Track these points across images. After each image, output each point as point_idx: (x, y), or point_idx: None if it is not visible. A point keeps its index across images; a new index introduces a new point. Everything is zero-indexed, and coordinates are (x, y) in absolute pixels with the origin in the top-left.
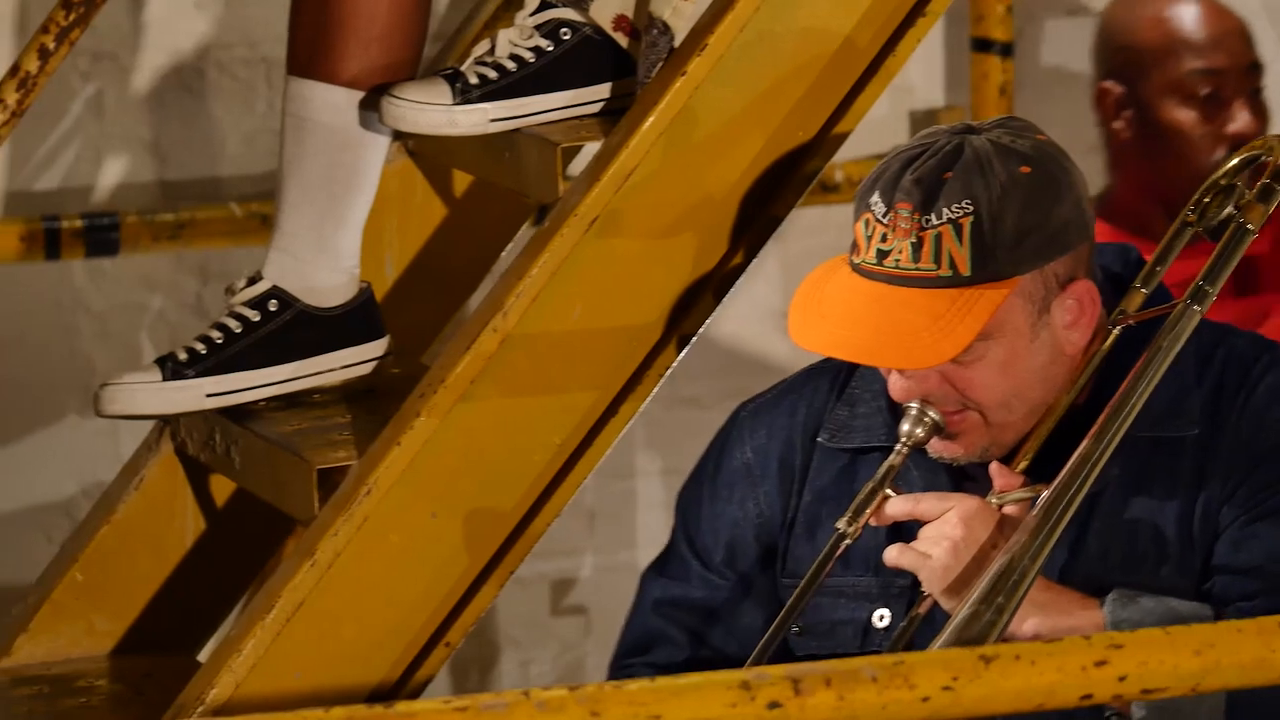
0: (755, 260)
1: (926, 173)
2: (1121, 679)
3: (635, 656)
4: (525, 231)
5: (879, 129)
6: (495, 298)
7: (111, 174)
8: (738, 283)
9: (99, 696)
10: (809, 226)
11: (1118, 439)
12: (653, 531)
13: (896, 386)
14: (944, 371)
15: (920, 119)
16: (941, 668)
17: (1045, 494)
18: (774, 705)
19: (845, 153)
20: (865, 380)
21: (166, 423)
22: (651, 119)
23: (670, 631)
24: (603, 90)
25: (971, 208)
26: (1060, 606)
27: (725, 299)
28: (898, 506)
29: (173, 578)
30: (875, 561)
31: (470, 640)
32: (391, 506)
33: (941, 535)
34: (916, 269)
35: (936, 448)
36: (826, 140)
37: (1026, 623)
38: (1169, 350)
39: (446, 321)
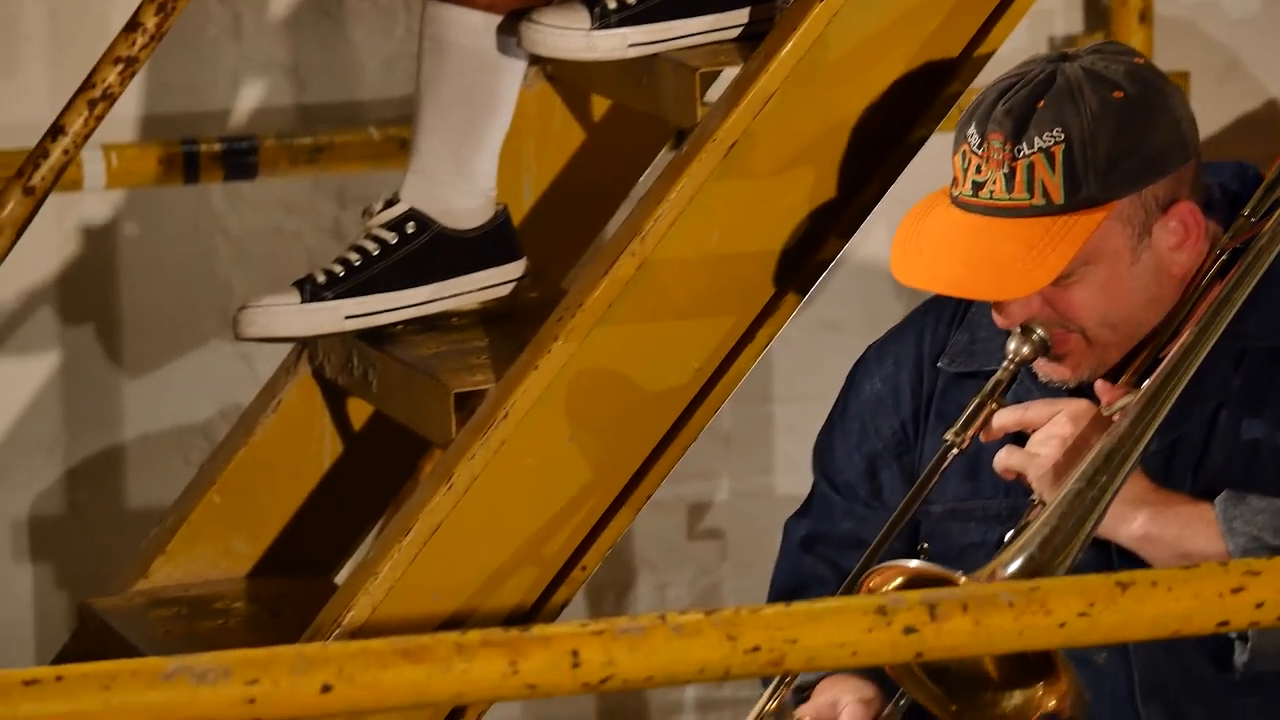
0: (895, 184)
1: (1018, 103)
2: (1259, 605)
3: (787, 598)
4: (663, 156)
5: (1018, 56)
6: (633, 222)
7: (250, 98)
8: (877, 207)
9: (236, 618)
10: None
11: (1221, 327)
12: (789, 456)
13: (1000, 318)
14: (1045, 295)
15: (1059, 45)
16: (1078, 594)
17: (1149, 381)
18: (910, 630)
19: (984, 80)
20: (984, 306)
21: (304, 345)
22: (790, 43)
23: (820, 569)
24: (741, 15)
25: (1062, 136)
26: (1170, 505)
27: (864, 223)
28: (1007, 416)
29: (310, 500)
30: (1006, 485)
31: (606, 564)
32: (528, 430)
33: (1050, 435)
34: (1010, 199)
35: (1044, 369)
36: (967, 63)
37: (1136, 521)
38: (1274, 243)
39: (584, 246)
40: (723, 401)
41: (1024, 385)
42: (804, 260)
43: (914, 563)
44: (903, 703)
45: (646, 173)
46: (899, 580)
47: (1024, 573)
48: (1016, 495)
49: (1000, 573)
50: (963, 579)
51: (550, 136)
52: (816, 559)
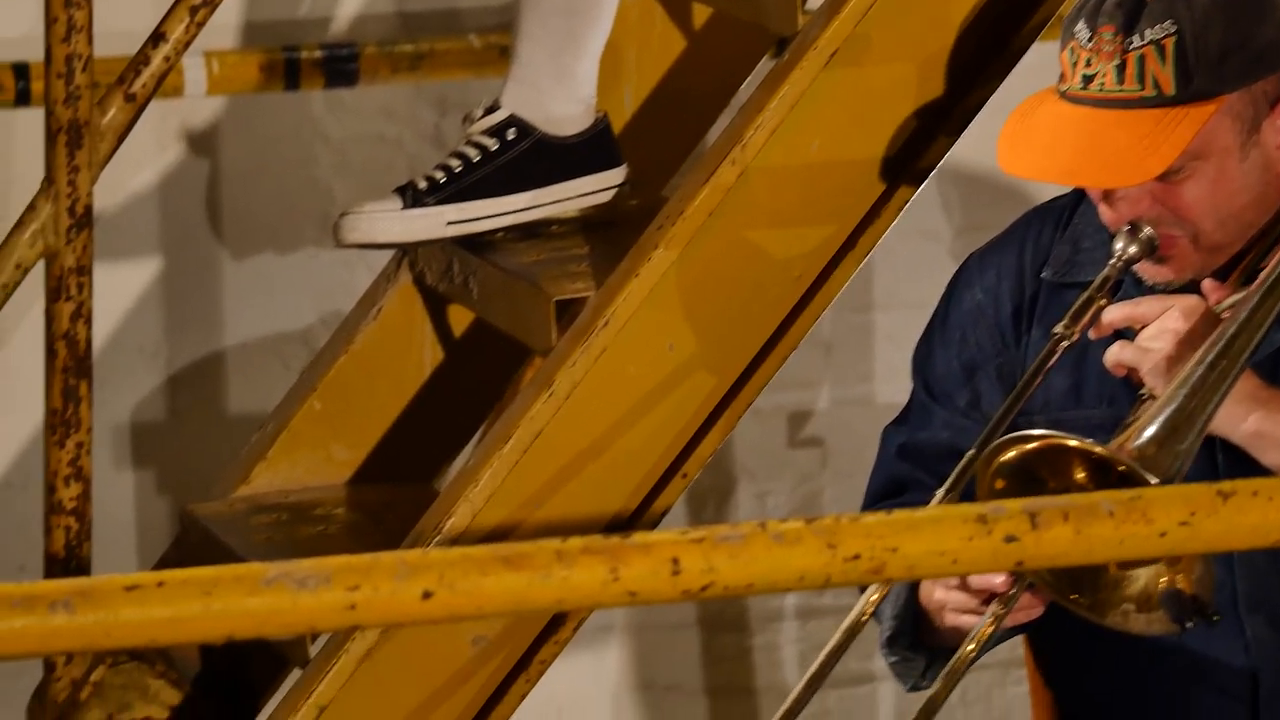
0: (997, 93)
1: None
2: None
3: (884, 502)
4: (764, 64)
5: None
6: (734, 130)
7: (351, 5)
8: (979, 115)
9: (336, 525)
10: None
11: None
12: (890, 364)
13: (1109, 213)
14: (1154, 192)
15: None
16: (1180, 503)
17: (1265, 272)
18: (1010, 539)
19: None
20: (1087, 217)
21: (405, 252)
22: None
23: (917, 475)
24: None
25: (1174, 28)
26: None
27: (966, 131)
28: (1116, 312)
29: (410, 407)
30: (1109, 394)
31: (707, 471)
32: (629, 338)
33: (1163, 329)
34: (1121, 90)
35: (1149, 272)
36: None
37: (1248, 419)
38: None
39: (684, 154)
40: (823, 309)
41: (1126, 291)
42: (906, 167)
43: (1041, 431)
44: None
45: (747, 81)
46: (1032, 446)
47: (1155, 442)
48: (1120, 405)
49: (1131, 442)
50: (1098, 449)
51: (651, 44)
52: (913, 467)
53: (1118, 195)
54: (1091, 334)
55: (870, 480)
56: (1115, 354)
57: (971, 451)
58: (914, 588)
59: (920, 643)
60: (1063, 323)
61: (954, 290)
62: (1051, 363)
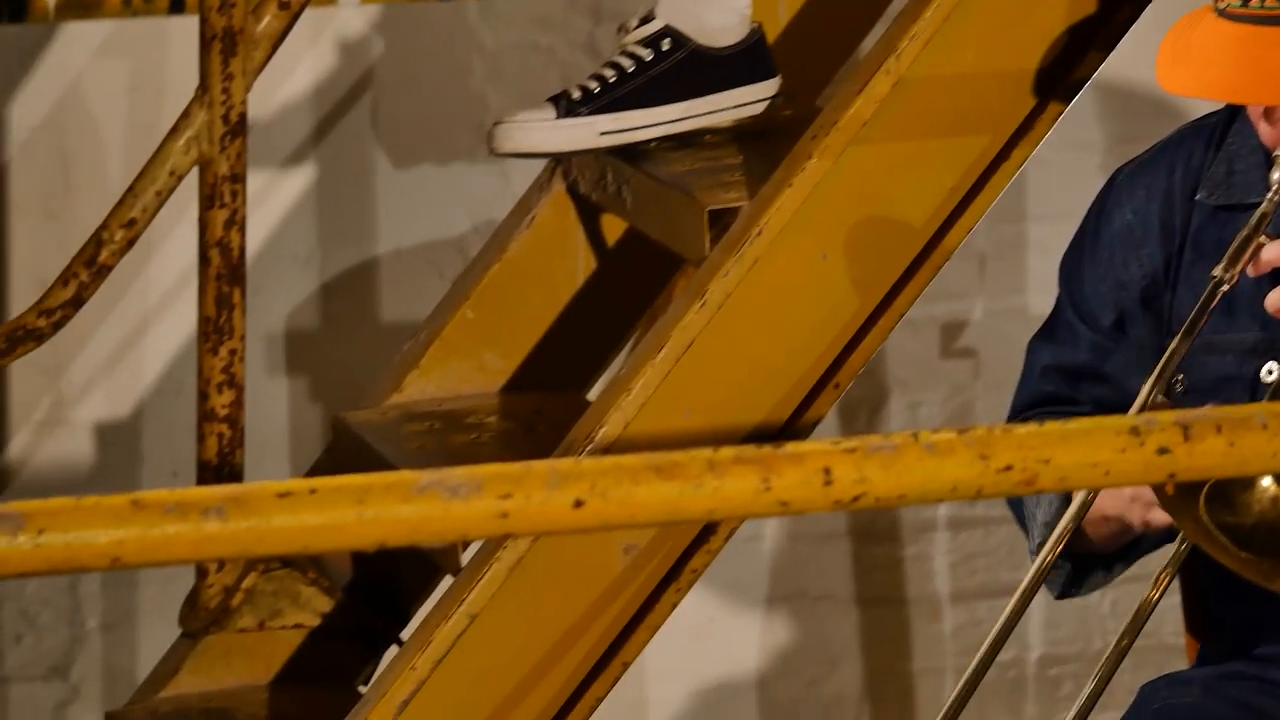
0: (1153, 4)
1: None
2: None
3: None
4: None
5: None
6: (888, 40)
7: None
8: (1133, 28)
9: (489, 433)
10: None
11: None
12: (1043, 276)
13: (1269, 132)
14: None
15: None
16: None
17: None
18: (1163, 450)
19: None
20: (1242, 137)
21: (559, 161)
22: None
23: (1062, 393)
24: None
25: None
26: None
27: (1121, 43)
28: (1275, 251)
29: (563, 316)
30: (1261, 315)
31: (859, 382)
32: (782, 248)
33: None
34: None
35: None
36: None
37: None
38: None
39: (838, 65)
40: (977, 220)
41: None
42: (1059, 80)
43: None
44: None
45: None
46: None
47: None
48: (1273, 328)
49: None
50: None
51: None
52: (1057, 385)
53: (1279, 114)
54: (1250, 272)
55: (1016, 393)
56: (1277, 300)
57: (1154, 396)
58: (1066, 496)
59: (1070, 550)
60: (1221, 265)
61: (1103, 208)
62: (1211, 308)
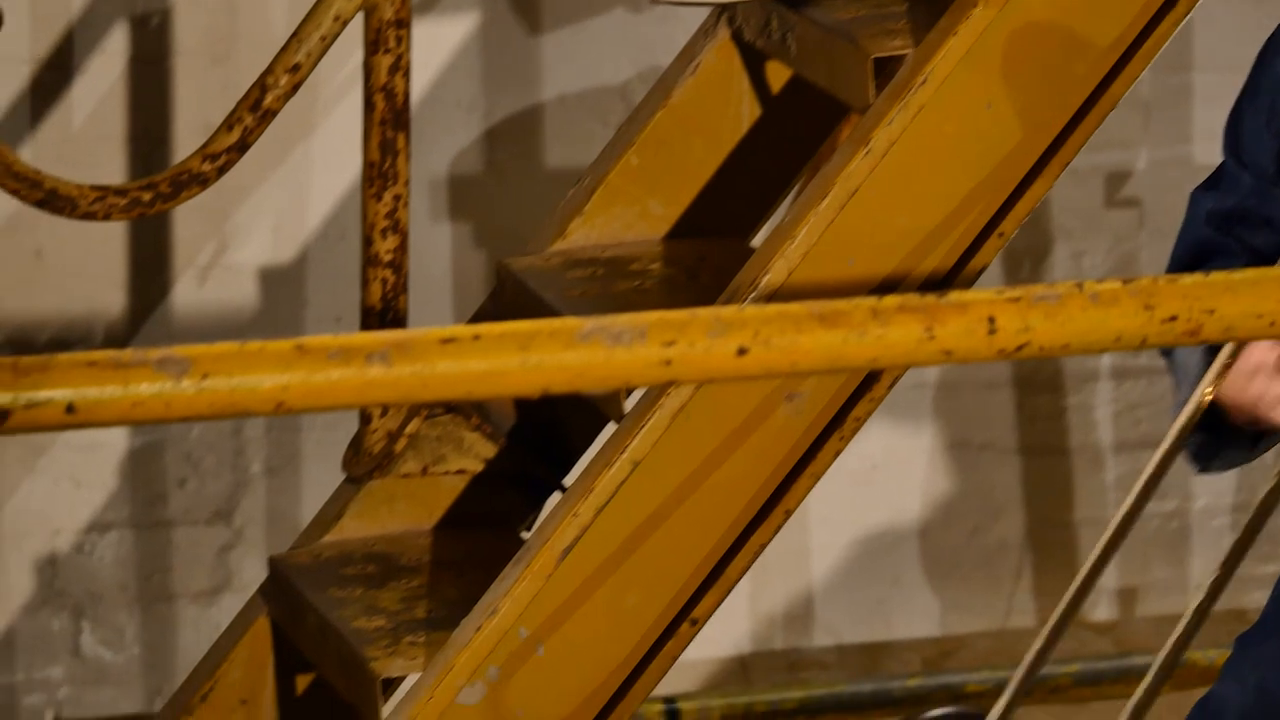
0: None
1: None
2: None
3: (1187, 269)
4: None
5: None
6: None
7: None
8: None
9: (652, 280)
10: None
11: None
12: (1208, 126)
13: None
14: None
15: None
16: None
17: None
18: None
19: None
20: None
21: (723, 8)
22: None
23: (1225, 242)
24: None
25: None
26: None
27: None
28: None
29: (727, 163)
30: None
31: (1023, 231)
32: (947, 96)
33: None
34: None
35: None
36: None
37: None
38: None
39: None
40: (1142, 70)
41: None
42: None
43: None
44: None
45: None
46: None
47: None
48: None
49: None
50: None
51: None
52: (1219, 233)
53: None
54: None
55: (1176, 243)
56: None
57: None
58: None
59: (1211, 424)
60: None
61: (1264, 57)
62: None
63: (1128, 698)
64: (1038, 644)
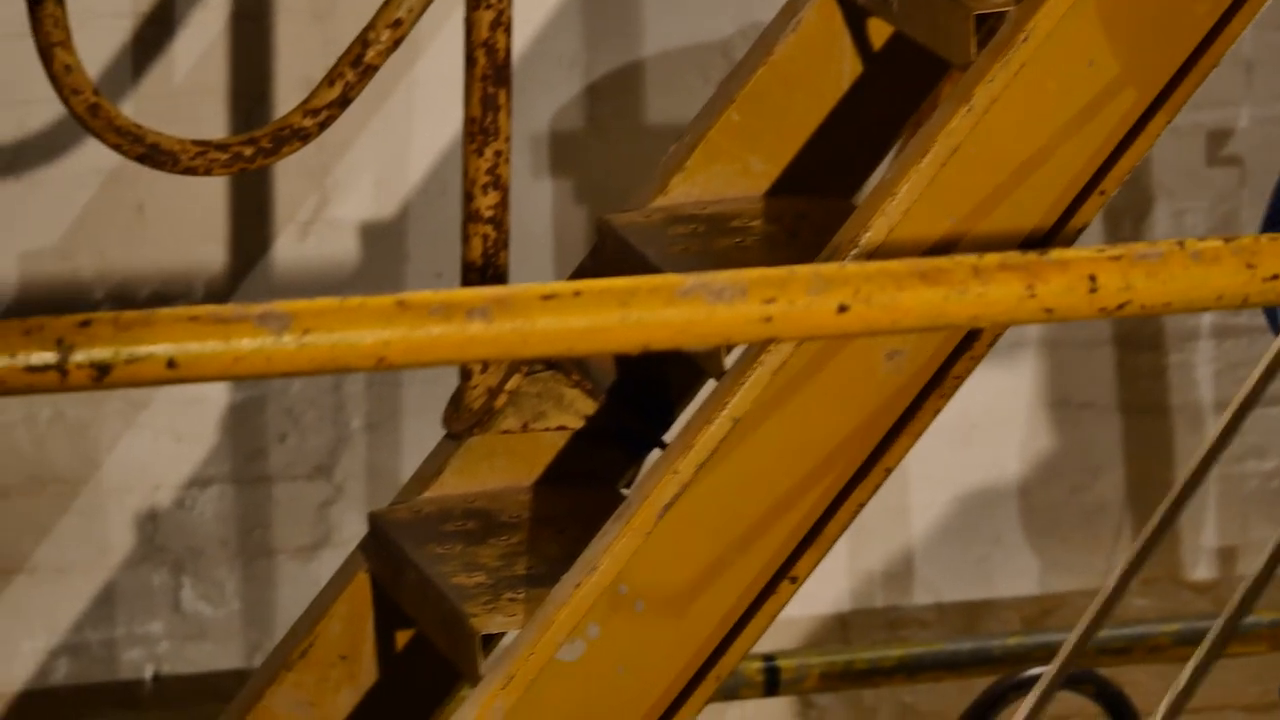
0: None
1: None
2: None
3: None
4: None
5: None
6: None
7: None
8: None
9: (753, 237)
10: None
11: None
12: None
13: None
14: None
15: None
16: None
17: None
18: None
19: None
20: None
21: None
22: None
23: None
24: None
25: None
26: None
27: None
28: None
29: (828, 120)
30: None
31: (1124, 190)
32: (1049, 53)
33: None
34: None
35: None
36: None
37: None
38: None
39: None
40: (1245, 27)
41: None
42: None
43: None
44: None
45: None
46: None
47: None
48: None
49: None
50: None
51: None
52: None
53: None
54: None
55: (1272, 202)
56: None
57: None
58: None
59: None
60: None
61: None
62: None
63: (1227, 657)
64: (1096, 604)
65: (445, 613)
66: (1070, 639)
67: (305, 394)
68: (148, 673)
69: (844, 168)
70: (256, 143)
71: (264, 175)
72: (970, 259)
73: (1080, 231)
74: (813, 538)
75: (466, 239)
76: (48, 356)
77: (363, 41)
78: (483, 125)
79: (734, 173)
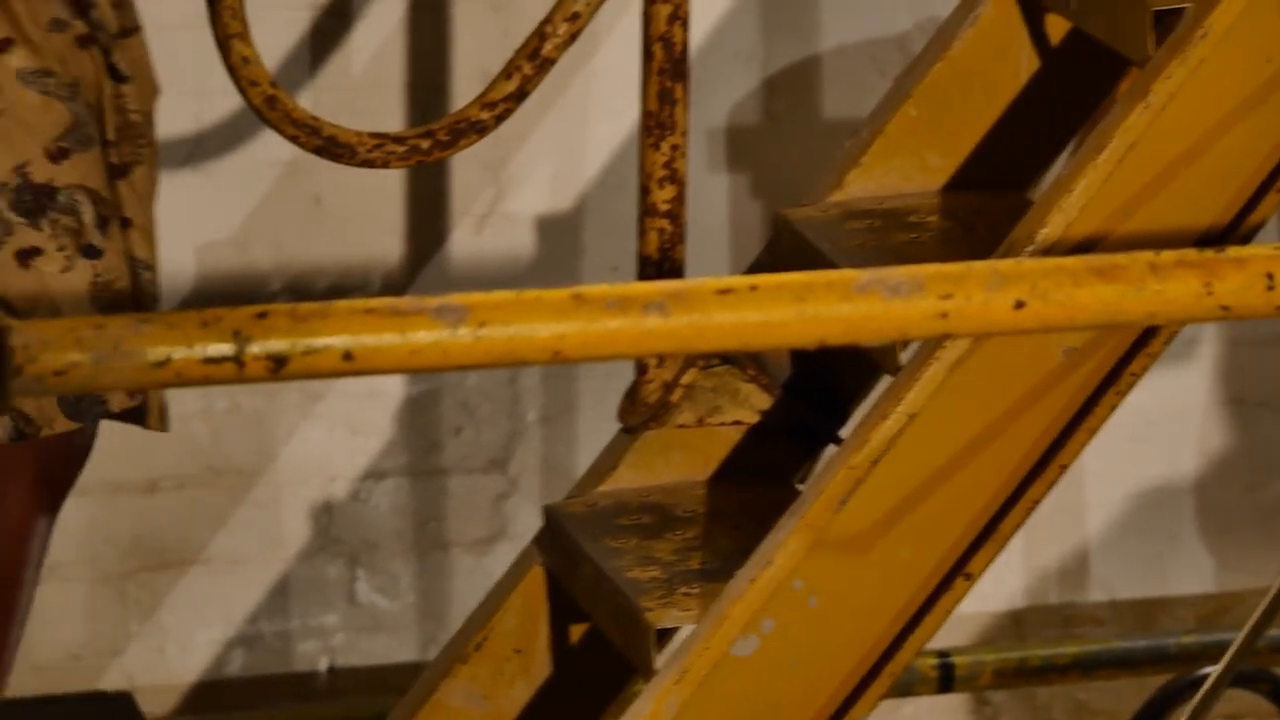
0: None
1: None
2: None
3: None
4: None
5: None
6: None
7: None
8: None
9: (929, 232)
10: None
11: None
12: None
13: None
14: None
15: None
16: None
17: None
18: None
19: None
20: None
21: None
22: None
23: None
24: None
25: None
26: None
27: None
28: None
29: (1004, 116)
30: None
31: None
32: (1227, 50)
33: None
34: None
35: None
36: None
37: None
38: None
39: None
40: None
41: None
42: None
43: None
44: None
45: None
46: None
47: None
48: None
49: None
50: None
51: None
52: None
53: None
54: None
55: None
56: None
57: None
58: None
59: None
60: None
61: None
62: None
63: None
64: (1266, 601)
65: (620, 607)
66: (1239, 637)
67: (481, 387)
68: (322, 665)
69: (1020, 163)
70: (433, 135)
71: (440, 168)
72: (1147, 256)
73: (1258, 229)
74: (988, 534)
75: (643, 233)
76: (225, 348)
77: (540, 34)
78: (659, 119)
79: (911, 168)
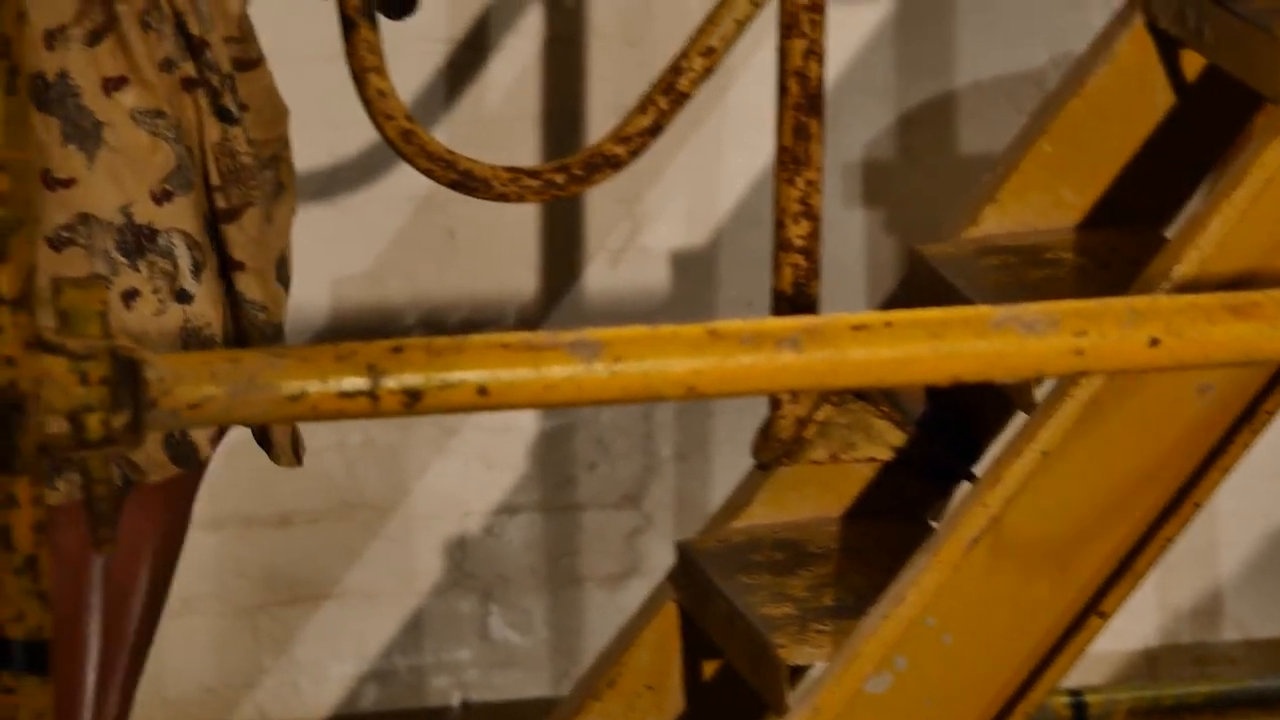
0: None
1: None
2: None
3: None
4: None
5: None
6: None
7: None
8: None
9: (1064, 269)
10: None
11: None
12: None
13: None
14: None
15: None
16: None
17: None
18: None
19: None
20: None
21: None
22: None
23: None
24: None
25: None
26: None
27: None
28: None
29: (1140, 152)
30: None
31: None
32: None
33: None
34: None
35: None
36: None
37: None
38: None
39: None
40: None
41: None
42: None
43: None
44: None
45: None
46: None
47: None
48: None
49: None
50: None
51: None
52: None
53: None
54: None
55: None
56: None
57: None
58: None
59: None
60: None
61: None
62: None
63: None
64: None
65: (752, 643)
66: None
67: (615, 422)
68: (455, 700)
69: (1156, 200)
70: (568, 170)
71: (575, 202)
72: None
73: None
74: (1121, 573)
75: (777, 268)
76: (359, 382)
77: (675, 69)
78: (794, 154)
79: (1046, 204)
